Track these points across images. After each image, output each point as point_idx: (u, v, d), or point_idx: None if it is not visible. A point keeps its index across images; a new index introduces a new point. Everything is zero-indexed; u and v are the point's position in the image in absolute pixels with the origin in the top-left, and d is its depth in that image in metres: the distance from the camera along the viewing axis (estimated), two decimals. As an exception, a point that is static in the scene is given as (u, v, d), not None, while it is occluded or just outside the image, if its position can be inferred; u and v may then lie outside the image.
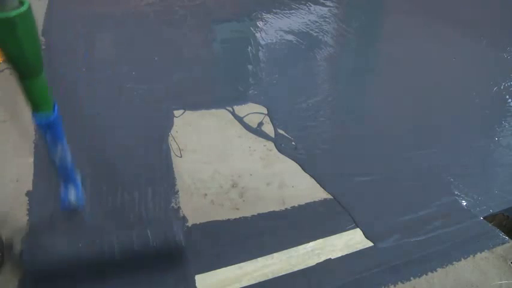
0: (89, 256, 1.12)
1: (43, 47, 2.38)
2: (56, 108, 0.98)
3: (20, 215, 1.36)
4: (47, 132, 1.00)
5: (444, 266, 1.28)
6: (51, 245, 1.12)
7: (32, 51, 0.84)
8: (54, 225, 1.26)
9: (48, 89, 0.94)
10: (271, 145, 1.73)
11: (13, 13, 0.76)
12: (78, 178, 1.17)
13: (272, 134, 1.79)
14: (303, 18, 2.89)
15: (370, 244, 1.34)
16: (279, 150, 1.70)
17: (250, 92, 2.08)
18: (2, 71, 2.14)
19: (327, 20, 2.88)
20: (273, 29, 2.73)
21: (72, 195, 1.13)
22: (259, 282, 1.20)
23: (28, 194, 1.44)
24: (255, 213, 1.42)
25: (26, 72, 0.88)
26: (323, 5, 3.12)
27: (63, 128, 1.02)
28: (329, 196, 1.51)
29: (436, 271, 1.26)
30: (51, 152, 1.04)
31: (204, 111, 1.91)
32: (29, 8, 0.79)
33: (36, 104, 0.94)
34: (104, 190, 1.47)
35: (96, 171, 1.55)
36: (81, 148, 1.67)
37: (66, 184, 1.13)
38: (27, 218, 1.35)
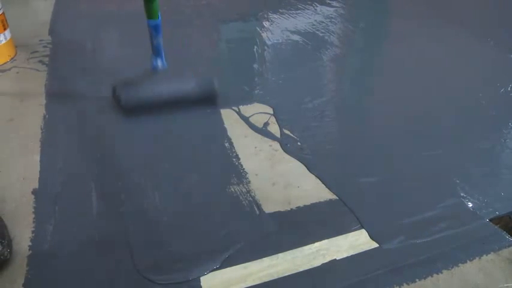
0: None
1: (50, 45, 2.39)
2: (159, 17, 1.69)
3: (26, 213, 1.37)
4: (154, 29, 1.70)
5: (450, 268, 1.27)
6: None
7: None
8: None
9: (157, 6, 1.65)
10: (276, 145, 1.73)
11: None
12: (163, 54, 1.83)
13: (278, 134, 1.79)
14: (309, 18, 2.89)
15: (376, 245, 1.33)
16: (285, 151, 1.70)
17: (256, 92, 2.08)
18: (10, 69, 2.16)
19: (333, 20, 2.88)
20: (279, 29, 2.73)
21: (159, 62, 1.83)
22: (264, 282, 1.20)
23: (34, 192, 1.45)
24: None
25: None
26: (329, 5, 3.12)
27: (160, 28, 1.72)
28: (334, 196, 1.50)
29: (441, 273, 1.26)
30: (153, 39, 1.75)
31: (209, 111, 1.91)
32: None
33: (151, 14, 1.66)
34: (108, 192, 1.48)
35: (102, 172, 1.56)
36: (85, 147, 1.68)
37: (156, 56, 1.82)
38: (33, 215, 1.36)
